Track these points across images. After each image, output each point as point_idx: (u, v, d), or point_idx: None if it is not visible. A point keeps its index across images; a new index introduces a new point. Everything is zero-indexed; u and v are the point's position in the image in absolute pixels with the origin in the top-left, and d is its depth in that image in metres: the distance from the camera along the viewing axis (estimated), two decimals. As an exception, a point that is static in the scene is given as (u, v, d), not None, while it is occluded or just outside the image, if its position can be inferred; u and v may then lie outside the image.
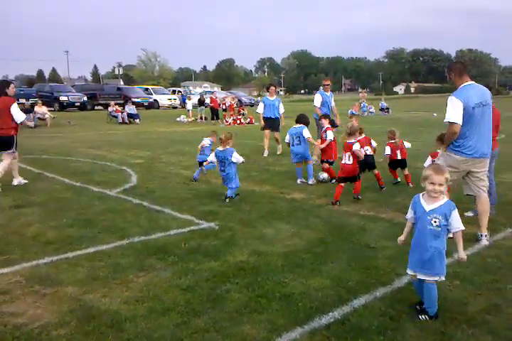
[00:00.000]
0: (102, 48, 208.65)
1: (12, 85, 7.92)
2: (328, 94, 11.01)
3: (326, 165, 8.02)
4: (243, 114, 24.20)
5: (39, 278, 4.01)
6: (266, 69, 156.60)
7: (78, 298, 3.65)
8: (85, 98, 33.94)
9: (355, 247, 4.81)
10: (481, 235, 4.97)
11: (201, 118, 25.22)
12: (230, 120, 23.00)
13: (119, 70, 73.38)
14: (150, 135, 17.13)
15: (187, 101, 27.56)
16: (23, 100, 28.17)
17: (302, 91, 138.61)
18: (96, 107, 35.54)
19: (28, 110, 19.88)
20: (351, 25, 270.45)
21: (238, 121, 23.02)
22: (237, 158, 6.72)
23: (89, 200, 6.76)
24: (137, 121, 23.39)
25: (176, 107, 39.06)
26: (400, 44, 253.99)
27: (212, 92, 31.97)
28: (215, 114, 24.22)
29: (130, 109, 24.09)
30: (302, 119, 8.30)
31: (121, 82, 63.21)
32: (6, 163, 7.73)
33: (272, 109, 11.76)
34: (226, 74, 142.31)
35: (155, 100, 39.03)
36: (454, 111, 4.82)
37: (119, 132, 18.47)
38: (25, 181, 8.02)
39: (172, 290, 3.77)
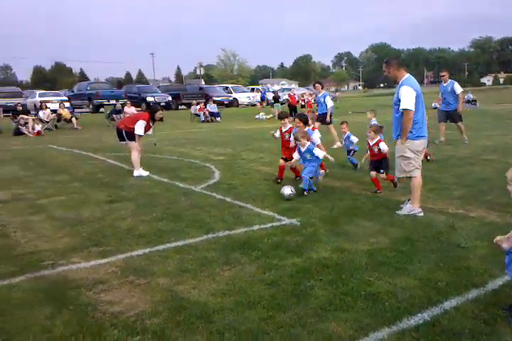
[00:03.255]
0: (184, 50, 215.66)
1: (159, 112, 8.98)
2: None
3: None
4: (321, 110, 23.96)
5: (133, 269, 4.22)
6: (343, 64, 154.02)
7: (169, 289, 3.80)
8: (170, 98, 35.23)
9: (443, 246, 4.60)
10: None
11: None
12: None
13: (200, 70, 75.51)
14: (230, 132, 17.46)
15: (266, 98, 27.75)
16: (113, 101, 29.89)
17: (382, 85, 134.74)
18: (180, 107, 36.82)
19: (118, 111, 20.98)
20: (432, 14, 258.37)
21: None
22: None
23: (176, 196, 7.02)
24: (218, 119, 23.93)
25: (254, 105, 39.50)
26: (487, 32, 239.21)
27: (290, 89, 32.01)
28: (293, 110, 24.20)
29: (211, 107, 24.69)
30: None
31: (203, 82, 64.94)
32: (135, 154, 8.72)
33: (320, 105, 12.52)
34: (303, 71, 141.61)
35: (234, 98, 39.70)
36: None
37: (202, 130, 19.00)
38: (147, 173, 8.76)
39: (257, 285, 3.81)
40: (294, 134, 7.27)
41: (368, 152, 7.18)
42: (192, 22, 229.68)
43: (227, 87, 43.92)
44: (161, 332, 3.11)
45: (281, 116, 8.15)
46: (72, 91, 37.44)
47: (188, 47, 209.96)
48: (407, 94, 5.42)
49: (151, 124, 8.97)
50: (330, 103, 12.34)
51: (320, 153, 6.92)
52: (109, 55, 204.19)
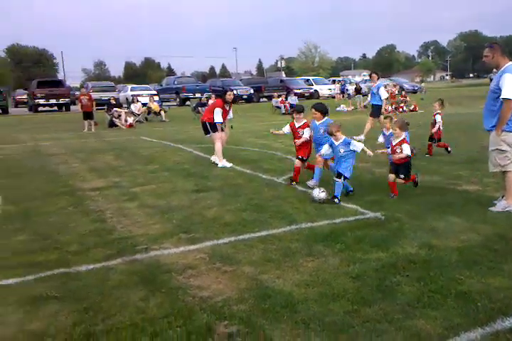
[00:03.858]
0: (266, 43, 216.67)
1: (228, 93, 9.23)
2: None
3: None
4: (405, 102, 23.10)
5: (220, 256, 4.34)
6: (430, 54, 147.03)
7: (254, 277, 3.86)
8: (252, 91, 35.65)
9: (542, 246, 4.28)
10: None
11: (364, 106, 24.70)
12: (391, 108, 22.10)
13: (281, 63, 75.53)
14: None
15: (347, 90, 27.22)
16: (198, 94, 30.78)
17: (471, 75, 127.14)
18: (261, 99, 37.12)
19: (203, 104, 21.56)
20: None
21: (400, 109, 22.03)
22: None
23: (259, 186, 7.10)
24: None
25: (334, 97, 38.92)
26: None
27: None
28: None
29: (292, 99, 24.65)
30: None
31: (283, 74, 64.94)
32: (218, 145, 9.05)
33: (373, 96, 12.16)
34: (386, 61, 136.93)
35: (315, 90, 39.33)
36: None
37: (283, 122, 19.01)
38: (231, 164, 8.97)
39: (341, 277, 3.77)
40: (326, 129, 6.47)
41: (390, 150, 6.38)
42: (274, 16, 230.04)
43: (308, 79, 43.59)
44: (247, 319, 3.17)
45: (298, 110, 7.38)
46: (161, 86, 39.03)
47: (270, 41, 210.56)
48: (511, 83, 5.04)
49: (226, 108, 9.18)
50: (384, 95, 11.94)
51: (358, 145, 6.14)
52: (195, 50, 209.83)
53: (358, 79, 56.52)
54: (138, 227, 5.34)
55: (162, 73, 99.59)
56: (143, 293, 3.65)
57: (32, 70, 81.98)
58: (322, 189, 6.10)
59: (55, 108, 34.06)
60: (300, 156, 7.20)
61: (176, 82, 36.04)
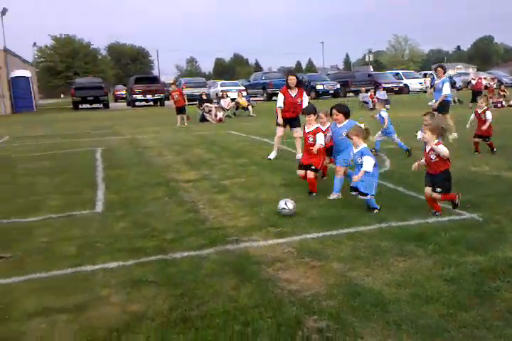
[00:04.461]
0: (353, 37, 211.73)
1: (289, 78, 9.27)
2: None
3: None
4: (504, 96, 21.52)
5: (308, 251, 4.34)
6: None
7: (343, 274, 3.82)
8: (338, 86, 35.07)
9: None
10: None
11: (454, 101, 23.38)
12: (489, 103, 20.70)
13: (369, 57, 73.60)
14: (401, 120, 16.70)
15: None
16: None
17: None
18: (348, 94, 36.41)
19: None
20: None
21: (499, 104, 20.57)
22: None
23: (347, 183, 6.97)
24: (387, 106, 23.08)
25: (426, 91, 37.18)
26: None
27: (467, 74, 29.44)
28: (476, 96, 22.11)
29: (381, 94, 23.92)
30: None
31: (371, 68, 63.17)
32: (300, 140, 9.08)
33: (437, 91, 11.36)
34: (483, 53, 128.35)
35: (405, 85, 37.87)
36: None
37: (369, 118, 18.51)
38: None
39: (434, 280, 3.61)
40: (347, 132, 5.74)
41: (424, 159, 5.43)
42: (361, 9, 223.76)
43: (397, 73, 42.06)
44: (336, 315, 3.14)
45: (308, 111, 6.50)
46: (249, 81, 39.65)
47: (357, 34, 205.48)
48: None
49: (291, 94, 9.19)
50: (446, 90, 11.10)
51: (368, 162, 5.36)
52: (281, 45, 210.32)
53: (451, 72, 53.53)
54: (228, 219, 5.47)
55: (250, 69, 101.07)
56: (234, 283, 3.74)
57: (129, 67, 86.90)
58: (285, 201, 5.49)
59: (151, 103, 35.81)
60: (313, 167, 6.26)
61: (263, 78, 36.41)
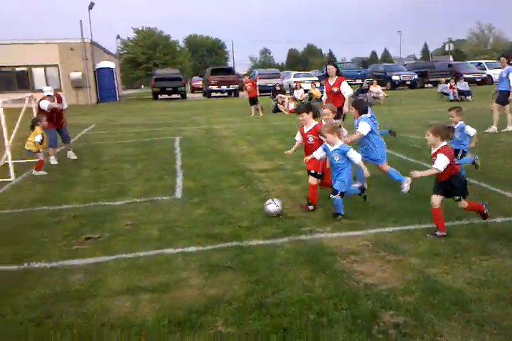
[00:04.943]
0: (432, 26, 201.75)
1: (328, 67, 9.27)
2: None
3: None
4: None
5: (383, 245, 4.25)
6: None
7: (421, 270, 3.70)
8: (416, 76, 33.68)
9: None
10: None
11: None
12: None
13: (449, 46, 69.92)
14: (482, 112, 15.77)
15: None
16: (359, 80, 30.15)
17: None
18: (425, 85, 34.89)
19: (365, 90, 21.07)
20: None
21: None
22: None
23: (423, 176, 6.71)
24: (469, 98, 21.86)
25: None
26: None
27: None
28: None
29: (462, 85, 22.68)
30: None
31: (451, 58, 60.00)
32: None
33: (501, 81, 10.82)
34: None
35: (488, 75, 35.62)
36: None
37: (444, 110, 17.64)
38: None
39: (520, 281, 3.41)
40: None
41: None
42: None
43: (479, 63, 39.62)
44: (414, 311, 3.06)
45: (299, 110, 5.79)
46: (322, 72, 39.01)
47: (436, 23, 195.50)
48: None
49: (329, 83, 9.12)
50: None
51: (356, 156, 5.04)
52: (356, 35, 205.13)
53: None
54: (302, 209, 5.47)
55: (323, 60, 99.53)
56: (308, 273, 3.75)
57: (206, 59, 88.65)
58: (269, 201, 5.25)
59: (226, 94, 36.37)
60: (313, 171, 5.46)
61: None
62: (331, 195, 5.09)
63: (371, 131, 5.90)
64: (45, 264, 4.11)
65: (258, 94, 18.91)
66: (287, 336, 2.85)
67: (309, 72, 40.14)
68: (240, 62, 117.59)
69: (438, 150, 4.45)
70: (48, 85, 9.11)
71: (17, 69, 30.06)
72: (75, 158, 9.70)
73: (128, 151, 10.44)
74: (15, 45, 29.30)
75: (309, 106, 5.99)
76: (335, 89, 9.06)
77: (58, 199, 6.40)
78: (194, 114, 20.70)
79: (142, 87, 67.37)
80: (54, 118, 9.24)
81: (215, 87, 34.60)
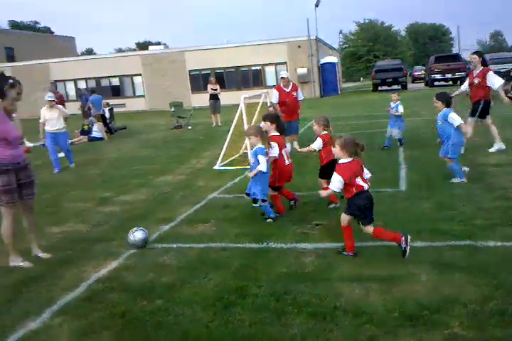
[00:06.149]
0: None
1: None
2: None
3: None
4: None
5: None
6: None
7: None
8: None
9: None
10: None
11: None
12: None
13: None
14: None
15: None
16: None
17: None
18: None
19: None
20: None
21: None
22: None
23: None
24: None
25: None
26: None
27: None
28: None
29: None
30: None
31: None
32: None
33: None
34: None
35: None
36: None
37: None
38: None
39: None
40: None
41: None
42: None
43: None
44: None
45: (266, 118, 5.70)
46: None
47: None
48: None
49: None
50: None
51: (262, 164, 5.07)
52: None
53: None
54: None
55: None
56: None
57: (427, 46, 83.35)
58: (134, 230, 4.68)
59: (450, 82, 33.69)
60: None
61: None
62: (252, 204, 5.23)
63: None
64: (282, 245, 4.46)
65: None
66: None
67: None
68: (466, 47, 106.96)
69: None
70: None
71: (252, 68, 33.19)
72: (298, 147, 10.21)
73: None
74: (250, 47, 32.38)
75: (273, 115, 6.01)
76: (475, 81, 7.89)
77: (291, 188, 6.83)
78: (415, 104, 19.73)
79: (361, 79, 67.26)
80: (288, 111, 9.87)
81: (438, 76, 32.35)
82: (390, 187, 6.28)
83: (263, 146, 5.24)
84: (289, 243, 4.51)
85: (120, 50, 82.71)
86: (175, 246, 4.66)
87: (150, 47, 39.15)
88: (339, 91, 35.71)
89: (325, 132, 5.62)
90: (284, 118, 9.64)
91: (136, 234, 4.61)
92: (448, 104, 6.09)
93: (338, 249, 4.25)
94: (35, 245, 4.68)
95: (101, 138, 15.34)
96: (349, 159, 4.02)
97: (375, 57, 56.20)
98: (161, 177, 8.37)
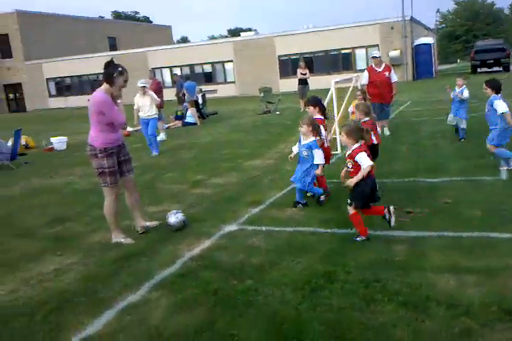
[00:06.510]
0: None
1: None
2: None
3: None
4: None
5: None
6: None
7: None
8: None
9: None
10: None
11: None
12: None
13: None
14: None
15: None
16: None
17: None
18: None
19: None
20: None
21: None
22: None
23: None
24: None
25: None
26: None
27: None
28: None
29: None
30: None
31: None
32: None
33: None
34: None
35: None
36: None
37: None
38: None
39: None
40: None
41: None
42: None
43: None
44: None
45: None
46: None
47: None
48: None
49: None
50: None
51: (318, 157, 5.17)
52: None
53: None
54: None
55: None
56: None
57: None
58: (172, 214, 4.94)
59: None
60: None
61: None
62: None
63: None
64: (370, 232, 4.35)
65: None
66: None
67: None
68: None
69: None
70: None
71: (342, 51, 32.29)
72: (389, 133, 9.85)
73: (442, 128, 9.92)
74: (340, 29, 31.49)
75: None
76: None
77: (377, 174, 6.62)
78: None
79: (458, 61, 62.94)
80: (378, 93, 9.52)
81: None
82: (488, 174, 5.88)
83: (316, 139, 5.26)
84: (378, 230, 4.39)
85: (213, 37, 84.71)
86: (264, 228, 4.75)
87: (242, 34, 39.60)
88: (434, 74, 33.69)
89: (367, 118, 5.45)
90: (375, 100, 9.30)
91: (178, 216, 4.92)
92: (497, 91, 6.02)
93: (431, 238, 4.08)
94: (140, 218, 5.02)
95: (194, 123, 15.93)
96: (358, 144, 4.20)
97: (475, 37, 52.16)
98: (251, 161, 8.52)
